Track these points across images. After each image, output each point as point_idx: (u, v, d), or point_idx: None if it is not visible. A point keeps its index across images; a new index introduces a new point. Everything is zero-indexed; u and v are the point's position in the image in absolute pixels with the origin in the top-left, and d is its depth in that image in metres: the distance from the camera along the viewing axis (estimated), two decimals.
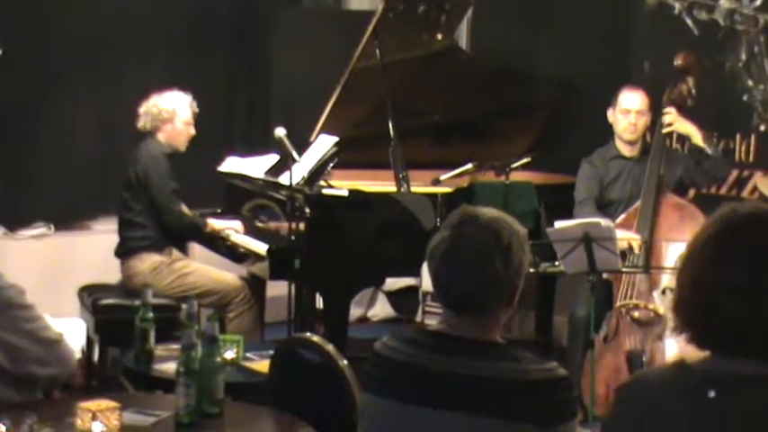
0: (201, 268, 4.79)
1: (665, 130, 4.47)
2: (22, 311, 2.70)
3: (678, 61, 4.56)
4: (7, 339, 2.64)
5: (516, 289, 2.04)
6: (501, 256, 1.99)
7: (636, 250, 4.23)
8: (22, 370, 2.68)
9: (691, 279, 1.63)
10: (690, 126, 4.51)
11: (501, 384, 1.96)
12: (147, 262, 4.70)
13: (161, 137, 4.77)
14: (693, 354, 1.65)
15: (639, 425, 1.63)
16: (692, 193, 4.74)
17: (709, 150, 4.49)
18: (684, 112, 4.57)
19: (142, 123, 4.79)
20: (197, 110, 4.84)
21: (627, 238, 4.20)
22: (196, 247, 5.18)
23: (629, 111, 4.58)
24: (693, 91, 4.63)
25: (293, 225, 4.20)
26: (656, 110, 4.59)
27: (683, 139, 4.90)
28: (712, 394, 1.56)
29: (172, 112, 4.76)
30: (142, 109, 4.79)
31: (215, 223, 4.81)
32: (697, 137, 4.50)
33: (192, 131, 4.83)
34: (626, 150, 4.66)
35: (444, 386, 1.99)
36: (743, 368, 1.57)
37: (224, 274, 4.79)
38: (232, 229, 4.77)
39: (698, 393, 1.57)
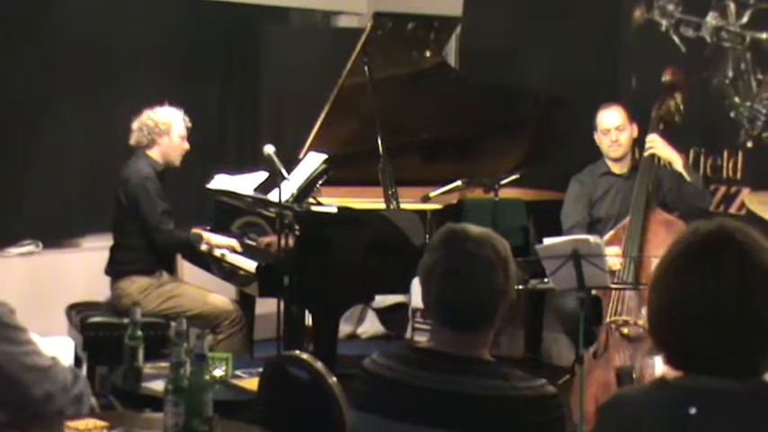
0: (191, 291, 4.71)
1: (646, 153, 4.48)
2: (11, 332, 2.57)
3: (666, 77, 4.59)
4: None
5: (510, 301, 2.05)
6: (503, 269, 2.02)
7: (617, 267, 4.21)
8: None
9: (658, 302, 1.64)
10: (672, 152, 4.52)
11: (490, 402, 1.96)
12: (136, 284, 4.63)
13: (155, 152, 4.69)
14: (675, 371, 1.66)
15: None
16: None
17: (688, 178, 4.49)
18: (672, 128, 4.59)
19: (136, 139, 4.69)
20: (190, 125, 4.78)
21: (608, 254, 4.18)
22: (186, 266, 5.15)
23: (608, 129, 4.61)
24: (681, 107, 4.64)
25: (282, 242, 4.19)
26: (643, 125, 4.61)
27: None
28: (693, 411, 1.57)
29: (168, 125, 4.68)
30: (135, 124, 4.70)
31: (212, 238, 4.73)
32: (678, 163, 4.51)
33: (187, 146, 4.76)
34: (615, 168, 4.67)
35: (434, 403, 1.98)
36: (720, 384, 1.58)
37: (214, 297, 4.70)
38: (230, 246, 4.68)
39: (679, 410, 1.57)
